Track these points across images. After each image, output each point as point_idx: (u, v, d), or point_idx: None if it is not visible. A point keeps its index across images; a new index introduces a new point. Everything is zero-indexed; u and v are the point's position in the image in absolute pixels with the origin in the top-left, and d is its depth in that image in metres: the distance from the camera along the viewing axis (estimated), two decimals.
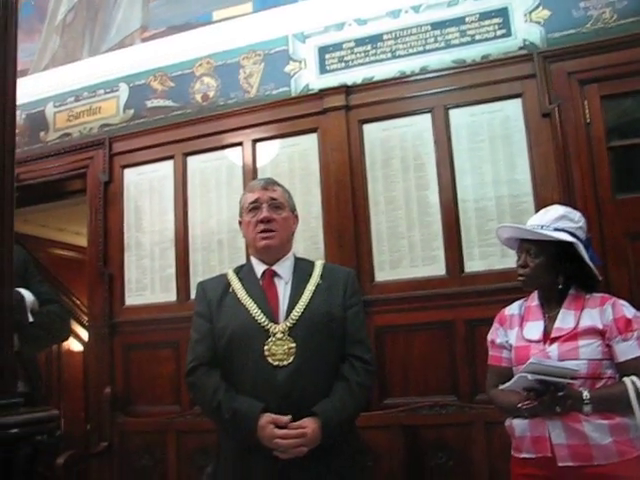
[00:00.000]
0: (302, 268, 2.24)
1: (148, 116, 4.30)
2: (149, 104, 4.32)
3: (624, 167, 3.35)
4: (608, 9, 3.44)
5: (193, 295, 3.86)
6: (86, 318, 4.91)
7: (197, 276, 3.95)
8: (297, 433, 1.91)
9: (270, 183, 2.26)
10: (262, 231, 2.16)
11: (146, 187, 4.19)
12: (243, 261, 3.74)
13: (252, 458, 1.99)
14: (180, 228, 4.03)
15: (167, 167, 4.14)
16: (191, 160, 4.10)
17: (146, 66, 4.35)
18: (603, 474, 1.91)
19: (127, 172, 4.25)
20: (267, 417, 1.94)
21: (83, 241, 4.51)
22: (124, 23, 4.49)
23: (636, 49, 3.29)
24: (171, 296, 4.01)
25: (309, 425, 1.95)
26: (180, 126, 4.13)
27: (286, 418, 1.94)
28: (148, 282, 4.11)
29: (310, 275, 2.20)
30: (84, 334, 5.78)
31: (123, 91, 4.41)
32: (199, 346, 2.14)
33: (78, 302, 6.61)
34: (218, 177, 4.02)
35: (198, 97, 4.20)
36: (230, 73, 4.13)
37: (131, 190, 4.23)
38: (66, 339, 3.33)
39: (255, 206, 2.20)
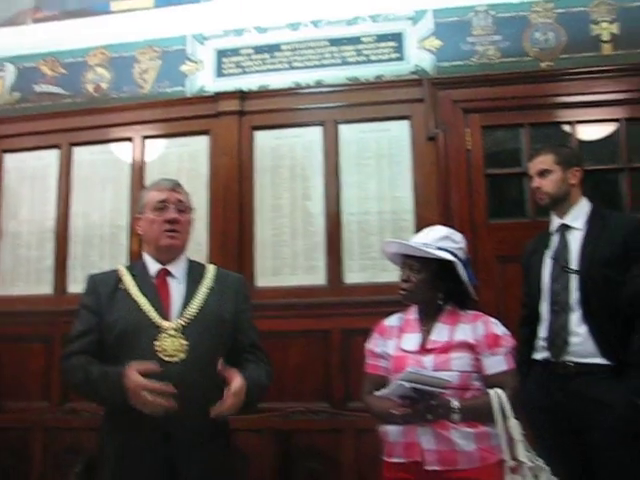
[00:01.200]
0: (195, 270, 2.26)
1: (35, 101, 4.13)
2: (37, 89, 4.15)
3: (498, 194, 3.58)
4: (493, 47, 3.68)
5: (70, 288, 3.81)
6: None
7: (76, 270, 3.85)
8: (162, 387, 1.89)
9: (177, 185, 2.27)
10: (168, 230, 2.17)
11: (27, 174, 4.03)
12: (124, 257, 3.73)
13: (136, 443, 1.97)
14: (61, 220, 3.90)
15: (52, 156, 4.00)
16: (78, 151, 3.98)
17: (37, 49, 4.17)
18: (465, 478, 2.01)
19: (8, 157, 4.07)
20: (132, 365, 1.91)
21: None
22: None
23: (514, 86, 3.54)
24: (47, 289, 3.89)
25: (236, 377, 1.97)
26: (69, 115, 4.00)
27: (150, 365, 1.92)
28: (24, 273, 3.95)
29: (203, 277, 2.23)
30: None
31: (9, 72, 4.21)
32: (82, 338, 2.11)
33: None
34: (105, 171, 3.93)
35: (90, 87, 4.08)
36: (125, 66, 4.05)
37: (11, 176, 4.05)
38: None
39: (163, 206, 2.19)
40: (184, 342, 2.03)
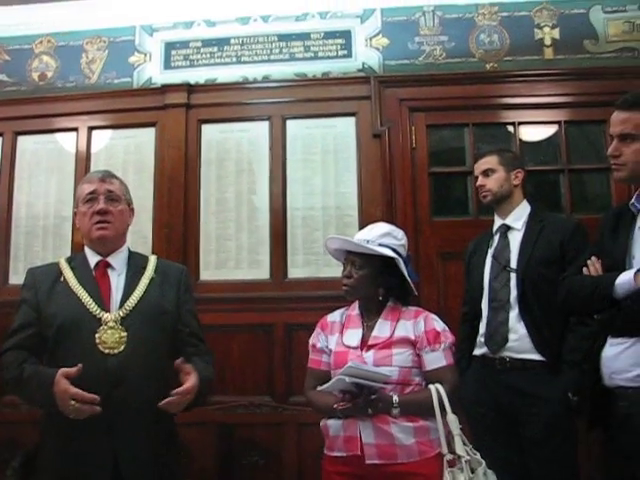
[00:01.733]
0: (136, 261, 2.25)
1: None
2: None
3: (441, 192, 3.64)
4: (439, 47, 3.74)
5: (12, 280, 3.75)
6: None
7: (18, 261, 3.79)
8: (91, 397, 1.87)
9: (108, 176, 2.24)
10: (97, 222, 2.15)
11: None
12: (68, 249, 3.68)
13: (78, 441, 1.96)
14: (3, 209, 3.83)
15: None
16: (22, 140, 3.91)
17: None
18: (405, 471, 2.05)
19: None
20: (61, 371, 1.90)
21: None
22: None
23: (460, 87, 3.62)
24: None
25: (191, 372, 1.97)
26: (13, 103, 3.92)
27: (74, 369, 1.89)
28: None
29: (144, 268, 2.22)
30: None
31: None
32: (20, 333, 2.09)
33: None
34: (49, 161, 3.87)
35: (35, 75, 4.01)
36: (72, 55, 3.99)
37: None
38: None
39: (92, 197, 2.17)
40: (123, 334, 2.03)
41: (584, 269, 2.15)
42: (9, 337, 2.10)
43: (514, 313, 2.58)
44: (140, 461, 1.99)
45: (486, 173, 2.79)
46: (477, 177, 2.85)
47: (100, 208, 2.15)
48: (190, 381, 1.96)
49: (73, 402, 1.87)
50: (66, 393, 1.87)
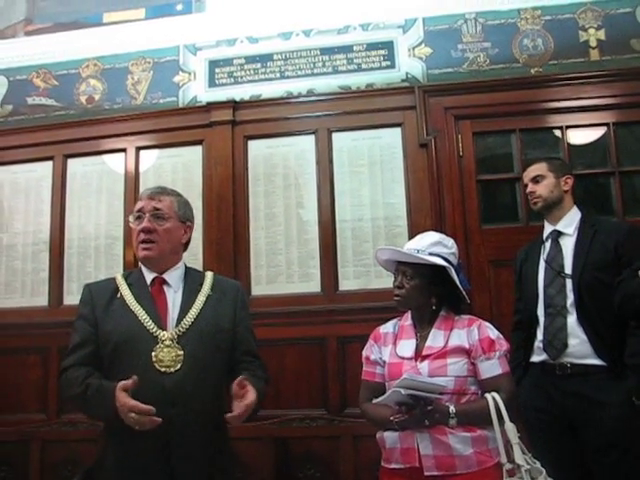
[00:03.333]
0: (193, 278, 2.24)
1: (28, 113, 4.14)
2: (30, 101, 4.16)
3: (489, 199, 3.61)
4: (482, 53, 3.72)
5: (66, 301, 3.81)
6: None
7: (71, 281, 3.86)
8: (147, 409, 1.87)
9: (157, 193, 2.22)
10: (142, 241, 2.15)
11: (21, 187, 4.03)
12: (120, 268, 3.72)
13: (136, 460, 1.97)
14: (56, 231, 3.91)
15: (46, 168, 4.01)
16: (72, 163, 3.99)
17: (29, 61, 4.20)
18: None
19: (1, 170, 4.08)
20: (120, 384, 1.90)
21: None
22: (5, 12, 4.29)
23: (505, 93, 3.59)
24: (42, 301, 3.88)
25: (249, 390, 1.97)
26: (62, 127, 4.01)
27: (130, 381, 1.90)
28: (19, 285, 3.94)
29: (201, 285, 2.21)
30: None
31: (2, 85, 4.22)
32: (80, 350, 2.09)
33: None
34: (99, 182, 3.94)
35: (83, 99, 4.10)
36: (118, 78, 4.07)
37: (4, 189, 4.06)
38: None
39: (139, 215, 2.18)
40: (180, 352, 2.02)
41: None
42: (69, 354, 2.11)
43: (572, 318, 2.55)
44: (197, 477, 2.00)
45: (536, 180, 2.79)
46: (527, 185, 2.84)
47: (143, 227, 2.14)
48: (249, 397, 1.95)
49: (133, 414, 1.87)
50: (125, 406, 1.87)
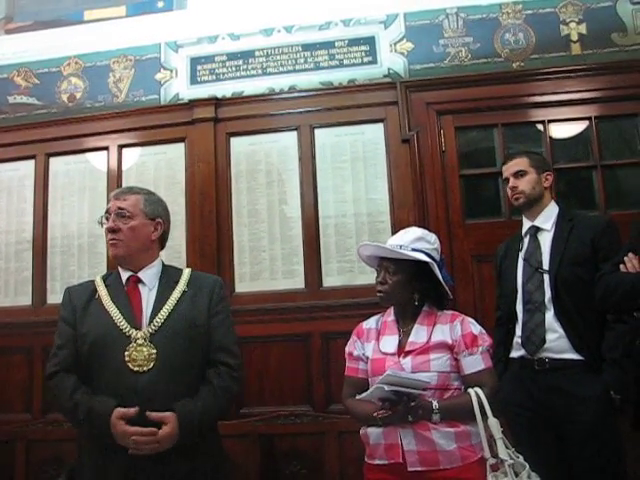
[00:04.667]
0: (169, 275, 2.24)
1: (9, 112, 4.12)
2: (11, 100, 4.14)
3: (472, 194, 3.62)
4: (464, 48, 3.73)
5: (50, 300, 3.81)
6: None
7: (55, 280, 3.85)
8: (149, 431, 1.91)
9: (122, 192, 2.24)
10: (110, 239, 2.16)
11: (3, 186, 4.02)
12: (104, 267, 3.72)
13: (110, 457, 1.96)
14: (38, 230, 3.90)
15: (28, 166, 4.00)
16: (54, 161, 3.98)
17: (9, 59, 4.17)
18: (448, 477, 2.02)
19: None
20: (117, 412, 1.92)
21: None
22: None
23: (487, 87, 3.60)
24: (26, 300, 3.87)
25: (168, 421, 1.96)
26: (44, 125, 3.99)
27: (132, 410, 1.93)
28: (2, 285, 3.93)
29: (177, 282, 2.20)
30: None
31: None
32: (61, 352, 2.10)
33: None
34: (82, 181, 3.93)
35: (64, 97, 4.08)
36: (99, 75, 4.05)
37: None
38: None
39: (107, 216, 2.19)
40: (153, 351, 2.02)
41: (621, 266, 2.11)
42: (52, 357, 2.12)
43: (550, 314, 2.54)
44: (174, 477, 1.99)
45: (518, 174, 2.75)
46: (507, 179, 2.79)
47: (107, 227, 2.16)
48: (161, 432, 1.95)
49: (134, 438, 1.90)
50: (125, 434, 1.90)
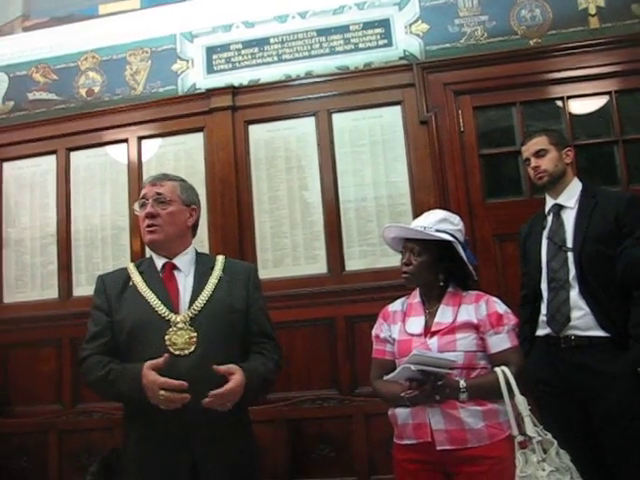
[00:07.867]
0: (204, 262, 2.25)
1: (29, 109, 4.17)
2: (31, 96, 4.18)
3: (492, 173, 3.59)
4: (480, 27, 3.69)
5: (76, 292, 3.86)
6: None
7: (80, 273, 3.90)
8: (179, 384, 1.91)
9: (159, 179, 2.24)
10: (147, 226, 2.17)
11: (26, 182, 4.07)
12: (127, 258, 3.76)
13: (157, 444, 2.00)
14: (62, 224, 3.95)
15: (49, 162, 4.05)
16: (75, 155, 4.02)
17: (28, 57, 4.22)
18: (476, 455, 2.03)
19: (6, 166, 4.12)
20: (147, 363, 1.94)
21: None
22: (2, 9, 4.31)
23: (504, 65, 3.56)
24: (53, 293, 3.93)
25: (235, 371, 1.98)
26: (64, 120, 4.03)
27: (162, 359, 1.94)
28: (28, 279, 3.99)
29: (212, 268, 2.22)
30: None
31: (2, 81, 4.24)
32: (96, 339, 2.12)
33: None
34: (102, 173, 3.97)
35: (83, 92, 4.12)
36: (116, 69, 4.08)
37: (10, 184, 4.10)
38: None
39: (143, 202, 2.20)
40: (193, 334, 2.03)
41: None
42: (86, 344, 2.13)
43: (575, 292, 2.54)
44: (217, 461, 2.01)
45: (539, 154, 2.73)
46: (528, 159, 2.78)
47: (147, 212, 2.16)
48: (230, 383, 1.96)
49: (162, 392, 1.90)
50: (154, 383, 1.90)
